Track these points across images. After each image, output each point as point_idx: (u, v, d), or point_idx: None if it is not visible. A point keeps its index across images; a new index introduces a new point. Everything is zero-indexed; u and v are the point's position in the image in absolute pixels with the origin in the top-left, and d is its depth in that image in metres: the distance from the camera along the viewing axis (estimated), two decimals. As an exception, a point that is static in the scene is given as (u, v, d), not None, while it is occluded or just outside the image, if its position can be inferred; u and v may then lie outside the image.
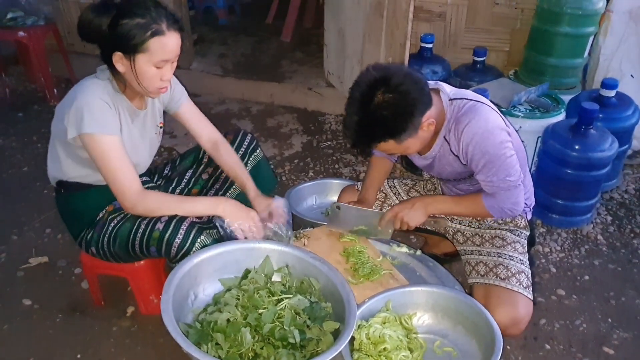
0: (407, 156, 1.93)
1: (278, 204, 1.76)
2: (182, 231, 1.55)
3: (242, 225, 1.63)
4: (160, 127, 1.81)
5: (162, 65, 1.50)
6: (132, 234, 1.60)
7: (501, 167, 1.54)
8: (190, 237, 1.55)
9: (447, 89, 1.60)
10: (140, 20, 1.43)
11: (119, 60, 1.49)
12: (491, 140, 1.51)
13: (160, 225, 1.57)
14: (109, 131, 1.51)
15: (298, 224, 2.16)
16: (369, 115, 1.42)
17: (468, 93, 1.60)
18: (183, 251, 1.55)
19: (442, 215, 1.87)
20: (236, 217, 1.63)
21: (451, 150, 1.61)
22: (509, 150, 1.54)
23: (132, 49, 1.45)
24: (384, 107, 1.40)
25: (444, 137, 1.60)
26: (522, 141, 1.74)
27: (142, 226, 1.59)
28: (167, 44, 1.47)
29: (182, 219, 1.58)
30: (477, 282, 1.68)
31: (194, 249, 1.55)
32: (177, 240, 1.55)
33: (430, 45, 2.95)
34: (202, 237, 1.57)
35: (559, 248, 2.39)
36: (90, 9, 1.47)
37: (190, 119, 1.86)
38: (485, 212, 1.65)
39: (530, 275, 1.64)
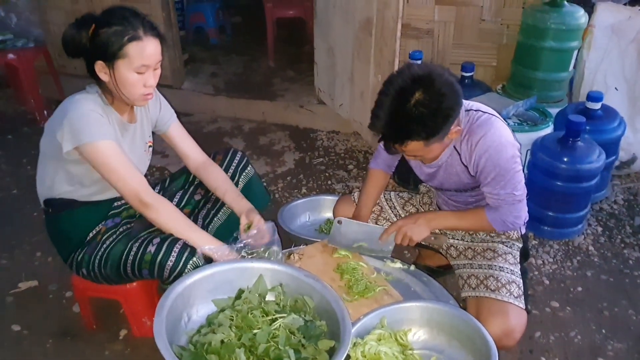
0: (400, 168, 1.94)
1: (267, 226, 1.75)
2: (174, 253, 1.55)
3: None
4: (150, 146, 1.82)
5: (143, 70, 1.52)
6: (124, 256, 1.60)
7: (509, 181, 1.56)
8: (183, 259, 1.55)
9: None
10: (117, 27, 1.47)
11: (101, 69, 1.52)
12: (504, 154, 1.53)
13: (152, 248, 1.56)
14: (107, 137, 1.52)
15: (291, 241, 2.16)
16: (406, 110, 1.39)
17: (482, 106, 1.62)
18: (176, 273, 1.55)
19: (444, 232, 1.87)
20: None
21: (461, 161, 1.62)
22: (518, 166, 1.56)
23: (111, 56, 1.49)
24: (424, 106, 1.38)
25: (454, 146, 1.61)
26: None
27: (134, 249, 1.59)
28: (145, 49, 1.50)
29: (175, 240, 1.58)
30: (469, 295, 1.68)
31: (187, 270, 1.55)
32: (170, 263, 1.54)
33: (418, 62, 2.98)
34: (194, 258, 1.57)
35: (551, 260, 2.41)
36: (71, 25, 1.52)
37: (179, 141, 1.87)
38: (488, 225, 1.66)
39: (521, 285, 1.64)
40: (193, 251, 1.58)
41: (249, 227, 1.71)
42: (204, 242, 1.61)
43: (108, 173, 1.53)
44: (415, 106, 1.38)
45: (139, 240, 1.62)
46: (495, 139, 1.53)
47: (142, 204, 1.55)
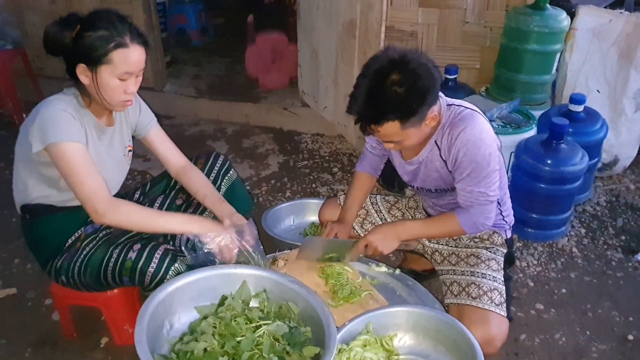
0: (385, 171, 1.93)
1: (250, 225, 1.73)
2: (155, 259, 1.52)
3: (218, 238, 1.59)
4: (130, 150, 1.78)
5: (125, 77, 1.49)
6: (104, 263, 1.56)
7: (484, 179, 1.55)
8: (164, 265, 1.52)
9: (444, 97, 1.62)
10: (103, 32, 1.44)
11: (83, 72, 1.49)
12: (482, 150, 1.52)
13: (132, 255, 1.53)
14: (74, 139, 1.48)
15: (275, 245, 2.14)
16: (382, 89, 1.40)
17: (464, 102, 1.62)
18: (157, 279, 1.52)
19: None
20: (212, 230, 1.60)
21: (440, 155, 1.61)
22: (495, 165, 1.56)
23: (95, 61, 1.46)
24: (399, 85, 1.39)
25: (435, 141, 1.61)
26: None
27: (114, 255, 1.55)
28: (130, 56, 1.47)
29: (156, 246, 1.55)
30: (452, 302, 1.68)
31: (168, 276, 1.52)
32: (151, 269, 1.51)
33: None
34: (176, 264, 1.54)
35: (535, 262, 2.42)
36: (54, 22, 1.48)
37: (159, 145, 1.84)
38: (457, 229, 1.65)
39: (504, 292, 1.64)
40: (174, 257, 1.55)
41: None
42: (178, 225, 1.58)
43: (67, 176, 1.48)
44: (391, 86, 1.40)
45: (119, 247, 1.58)
46: (476, 133, 1.52)
47: (96, 213, 1.48)
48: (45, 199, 1.62)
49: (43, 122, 1.47)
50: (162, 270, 1.52)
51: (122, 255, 1.54)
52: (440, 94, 1.59)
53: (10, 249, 2.44)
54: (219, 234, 1.59)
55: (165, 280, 1.51)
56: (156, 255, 1.53)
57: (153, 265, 1.52)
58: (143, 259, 1.52)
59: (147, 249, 1.54)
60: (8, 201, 1.68)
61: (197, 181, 1.82)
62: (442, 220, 1.69)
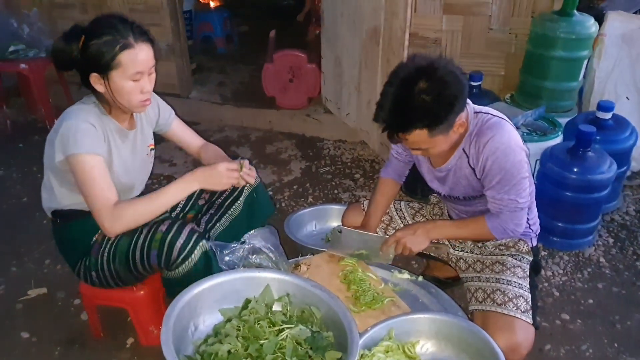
0: (407, 178, 1.93)
1: (271, 231, 1.76)
2: (184, 233, 1.56)
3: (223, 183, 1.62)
4: (152, 149, 1.82)
5: (138, 77, 1.52)
6: (134, 240, 1.60)
7: (514, 187, 1.55)
8: (192, 241, 1.56)
9: (472, 104, 1.62)
10: (107, 37, 1.47)
11: (96, 81, 1.52)
12: (511, 157, 1.52)
13: (162, 227, 1.57)
14: (93, 150, 1.51)
15: (298, 250, 2.15)
16: (409, 97, 1.41)
17: (492, 110, 1.62)
18: (184, 254, 1.55)
19: (444, 241, 1.86)
20: (213, 184, 1.62)
21: (469, 163, 1.61)
22: (525, 172, 1.55)
23: (105, 67, 1.48)
24: (427, 93, 1.40)
25: (463, 149, 1.61)
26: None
27: (144, 232, 1.60)
28: (137, 56, 1.49)
29: (184, 223, 1.60)
30: (476, 309, 1.66)
31: (195, 251, 1.56)
32: (179, 243, 1.55)
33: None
34: (203, 241, 1.58)
35: (561, 271, 2.38)
36: (59, 38, 1.51)
37: (182, 135, 1.92)
38: (487, 233, 1.65)
39: (529, 300, 1.62)
40: (202, 234, 1.59)
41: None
42: (179, 193, 1.59)
43: (81, 187, 1.52)
44: (419, 94, 1.40)
45: (148, 226, 1.61)
46: (504, 141, 1.52)
47: (103, 227, 1.52)
48: (77, 205, 1.66)
49: (65, 133, 1.50)
50: (190, 245, 1.56)
51: (152, 229, 1.58)
52: (468, 101, 1.59)
53: (42, 250, 2.51)
54: (218, 174, 1.61)
55: (192, 256, 1.55)
56: (185, 229, 1.57)
57: (182, 238, 1.55)
58: (173, 231, 1.56)
59: (177, 224, 1.58)
60: (40, 204, 1.73)
61: (211, 152, 1.91)
62: (473, 222, 1.69)
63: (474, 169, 1.60)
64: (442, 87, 1.41)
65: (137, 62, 1.50)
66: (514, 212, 1.59)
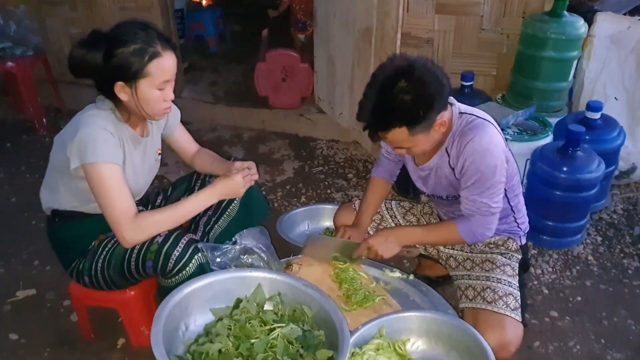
0: (400, 178, 1.94)
1: (262, 232, 1.76)
2: (181, 244, 1.56)
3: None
4: (159, 154, 1.82)
5: (164, 86, 1.52)
6: (129, 251, 1.59)
7: (488, 190, 1.55)
8: (189, 252, 1.56)
9: (458, 104, 1.63)
10: (135, 46, 1.44)
11: (121, 90, 1.49)
12: (488, 160, 1.53)
13: (159, 239, 1.56)
14: (111, 160, 1.49)
15: (290, 250, 2.15)
16: (388, 98, 1.43)
17: (478, 111, 1.63)
18: (180, 265, 1.54)
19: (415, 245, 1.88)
20: (232, 194, 1.69)
21: (449, 163, 1.62)
22: (501, 177, 1.56)
23: (132, 76, 1.46)
24: (406, 92, 1.42)
25: (446, 148, 1.62)
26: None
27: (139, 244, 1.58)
28: (165, 65, 1.49)
29: (181, 234, 1.58)
30: (466, 307, 1.68)
31: (191, 264, 1.55)
32: (176, 253, 1.54)
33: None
34: (199, 254, 1.58)
35: (550, 269, 2.40)
36: (80, 45, 1.47)
37: (182, 141, 1.91)
38: (457, 237, 1.66)
39: (519, 298, 1.64)
40: (198, 248, 1.58)
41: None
42: (199, 205, 1.64)
43: (97, 196, 1.50)
44: (398, 94, 1.42)
45: None
46: (483, 143, 1.53)
47: (123, 239, 1.52)
48: (78, 208, 1.66)
49: (82, 141, 1.47)
50: (186, 256, 1.55)
51: (148, 241, 1.56)
52: (454, 101, 1.60)
53: (30, 250, 2.49)
54: (237, 184, 1.66)
55: (187, 268, 1.54)
56: (182, 241, 1.56)
57: (178, 250, 1.54)
58: (169, 242, 1.55)
59: (174, 235, 1.57)
60: (28, 205, 1.73)
61: (206, 157, 1.92)
62: (442, 227, 1.72)
63: (453, 169, 1.62)
64: (421, 87, 1.43)
65: (165, 70, 1.49)
66: (485, 217, 1.59)
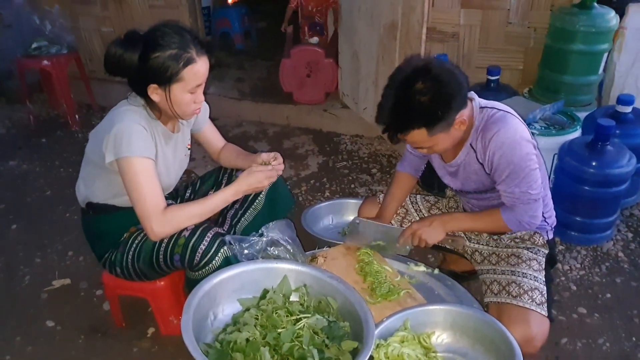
0: (424, 172, 1.95)
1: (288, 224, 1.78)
2: (207, 238, 1.59)
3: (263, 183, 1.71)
4: (189, 149, 1.87)
5: (195, 90, 1.55)
6: (157, 244, 1.63)
7: (524, 179, 1.55)
8: (215, 246, 1.59)
9: (478, 98, 1.62)
10: (171, 51, 1.47)
11: (154, 92, 1.54)
12: (518, 150, 1.52)
13: (186, 233, 1.60)
14: (144, 154, 1.53)
15: (315, 243, 2.18)
16: (407, 99, 1.44)
17: (498, 104, 1.63)
18: (207, 258, 1.58)
19: (461, 234, 1.87)
20: (256, 188, 1.72)
21: (477, 159, 1.62)
22: (534, 163, 1.55)
23: (167, 80, 1.50)
24: (423, 94, 1.42)
25: (471, 144, 1.62)
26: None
27: (168, 237, 1.63)
28: (199, 70, 1.52)
29: (207, 228, 1.62)
30: (491, 301, 1.67)
31: (217, 258, 1.59)
32: (202, 247, 1.58)
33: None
34: (225, 247, 1.61)
35: (578, 266, 2.36)
36: (117, 44, 1.50)
37: (210, 136, 1.96)
38: (503, 225, 1.65)
39: (545, 292, 1.62)
40: (224, 241, 1.62)
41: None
42: (226, 200, 1.67)
43: (130, 190, 1.54)
44: (416, 95, 1.43)
45: None
46: (509, 135, 1.52)
47: (152, 232, 1.56)
48: (111, 201, 1.71)
49: (118, 135, 1.51)
50: (212, 250, 1.58)
51: (175, 234, 1.61)
52: (474, 95, 1.60)
53: (65, 242, 2.58)
54: (257, 181, 1.69)
55: (213, 261, 1.58)
56: (208, 235, 1.60)
57: (204, 243, 1.58)
58: (196, 236, 1.59)
59: (200, 229, 1.61)
60: (63, 198, 1.78)
61: (232, 151, 1.95)
62: (489, 215, 1.70)
63: (482, 164, 1.61)
64: (438, 86, 1.43)
65: (198, 76, 1.52)
66: (528, 204, 1.59)
